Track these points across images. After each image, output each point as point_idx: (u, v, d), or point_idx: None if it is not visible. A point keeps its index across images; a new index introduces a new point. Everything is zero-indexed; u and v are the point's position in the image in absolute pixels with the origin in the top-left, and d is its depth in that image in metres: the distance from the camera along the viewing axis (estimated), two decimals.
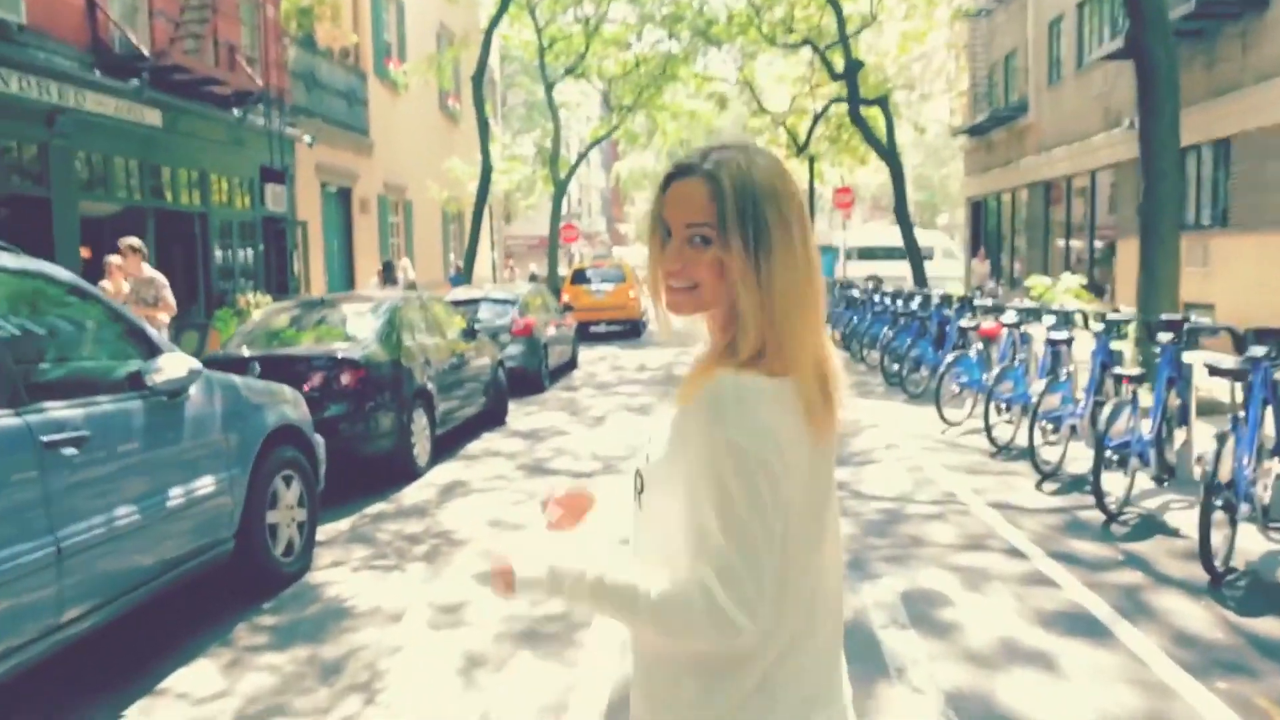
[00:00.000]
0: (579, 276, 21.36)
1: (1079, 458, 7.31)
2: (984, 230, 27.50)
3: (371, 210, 22.52)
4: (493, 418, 10.22)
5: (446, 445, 8.83)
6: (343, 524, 6.33)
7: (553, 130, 28.88)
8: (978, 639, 4.09)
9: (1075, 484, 6.79)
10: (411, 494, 7.17)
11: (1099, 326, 7.48)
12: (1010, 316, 9.08)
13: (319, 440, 5.66)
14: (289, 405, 5.27)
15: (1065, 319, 8.45)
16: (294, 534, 5.19)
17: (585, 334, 21.17)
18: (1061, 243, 21.39)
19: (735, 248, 1.25)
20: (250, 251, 16.91)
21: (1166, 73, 9.24)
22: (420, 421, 7.85)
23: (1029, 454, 7.09)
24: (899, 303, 13.38)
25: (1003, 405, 8.11)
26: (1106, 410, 5.90)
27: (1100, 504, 5.78)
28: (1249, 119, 13.41)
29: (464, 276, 27.53)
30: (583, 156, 30.66)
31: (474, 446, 9.05)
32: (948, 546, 5.35)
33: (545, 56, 27.49)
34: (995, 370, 8.24)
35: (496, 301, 13.12)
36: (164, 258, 14.64)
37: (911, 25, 22.99)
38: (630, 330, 21.48)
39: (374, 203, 22.66)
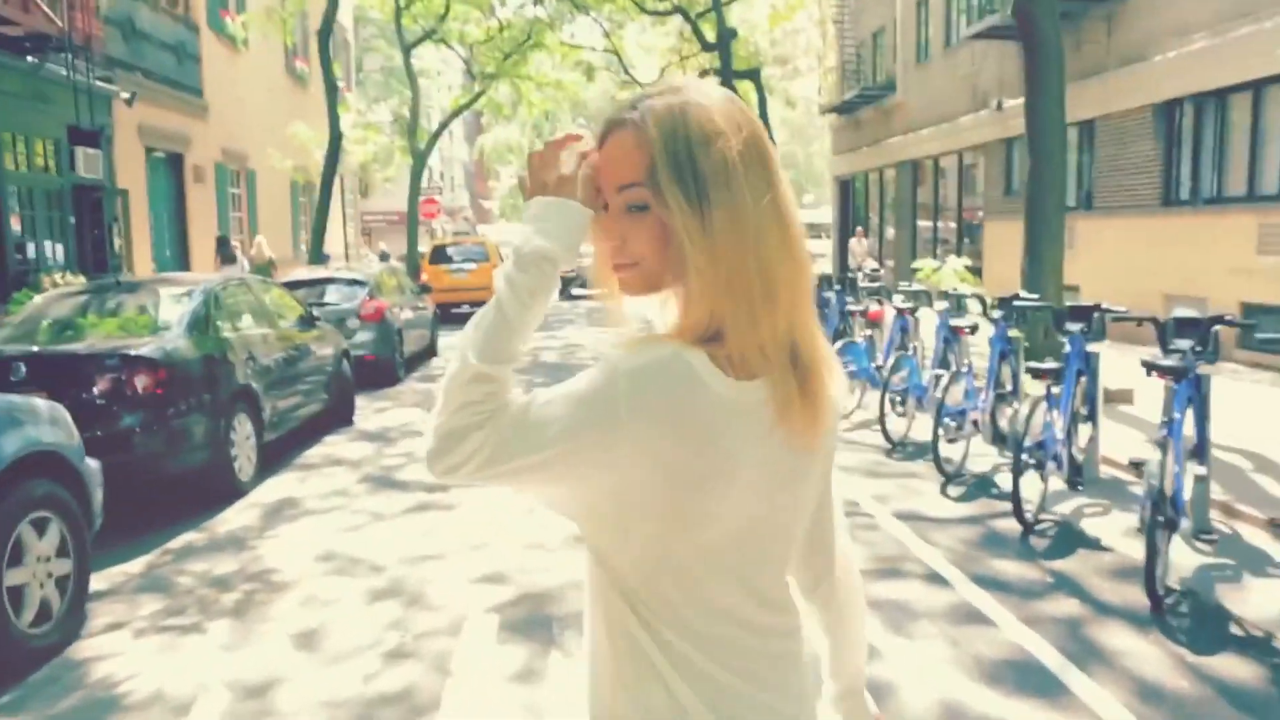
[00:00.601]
0: (439, 255, 20.04)
1: (981, 455, 6.82)
2: (851, 209, 27.58)
3: (208, 179, 20.45)
4: (337, 416, 9.03)
5: (279, 453, 7.63)
6: (135, 564, 5.13)
7: (411, 98, 27.23)
8: (916, 704, 3.39)
9: (981, 486, 6.27)
10: (230, 518, 6.00)
11: (998, 313, 6.99)
12: (900, 300, 8.58)
13: (92, 466, 4.47)
14: (41, 425, 4.07)
15: (958, 303, 7.99)
16: (50, 594, 4.01)
17: (446, 316, 19.91)
18: (928, 223, 21.51)
19: (674, 205, 1.03)
20: (58, 224, 14.88)
21: (1054, 47, 8.89)
22: (243, 428, 6.65)
23: (930, 452, 6.53)
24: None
25: (896, 397, 7.56)
26: (1025, 408, 5.35)
27: (1018, 513, 5.23)
28: (1112, 102, 13.47)
29: (328, 254, 25.68)
30: (444, 126, 29.07)
31: (313, 453, 7.87)
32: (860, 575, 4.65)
33: (403, 19, 25.80)
34: (891, 359, 7.67)
35: (344, 283, 11.81)
36: None
37: None
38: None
39: (210, 171, 20.58)
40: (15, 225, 13.65)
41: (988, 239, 17.70)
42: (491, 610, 4.30)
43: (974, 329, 6.81)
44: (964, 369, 6.71)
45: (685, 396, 1.01)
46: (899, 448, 7.30)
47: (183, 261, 18.98)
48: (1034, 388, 5.75)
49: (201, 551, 5.35)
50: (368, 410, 9.83)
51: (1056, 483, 5.84)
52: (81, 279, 13.16)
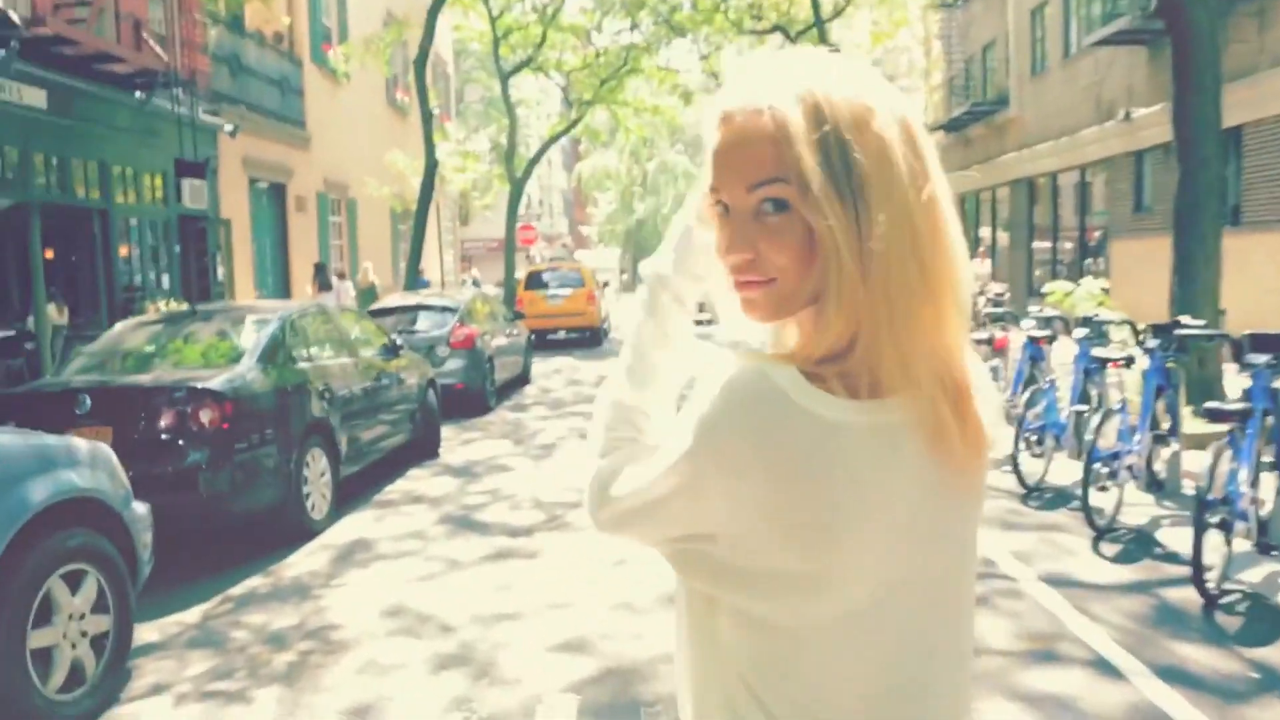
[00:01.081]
0: (534, 280, 19.79)
1: (1135, 505, 5.91)
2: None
3: (309, 209, 20.76)
4: (422, 449, 8.64)
5: (358, 488, 7.25)
6: (191, 613, 4.74)
7: (509, 126, 27.33)
8: None
9: (1142, 543, 5.38)
10: (298, 562, 5.59)
11: (1153, 342, 6.08)
12: (1032, 326, 7.71)
13: (139, 511, 4.07)
14: (80, 468, 3.69)
15: (1100, 330, 7.07)
16: (84, 654, 3.60)
17: (541, 342, 19.62)
18: (1045, 244, 20.22)
19: (825, 202, 0.83)
20: (164, 253, 15.15)
21: (1208, 39, 7.93)
22: (317, 464, 6.26)
23: (1073, 500, 5.67)
24: None
25: (1031, 435, 6.69)
26: (1209, 458, 4.46)
27: (1198, 582, 4.37)
28: (1264, 106, 12.21)
29: (423, 280, 25.90)
30: (540, 153, 29.05)
31: (394, 489, 7.46)
32: (1008, 656, 3.89)
33: (500, 48, 25.96)
34: (1024, 393, 6.81)
35: (435, 310, 11.53)
36: (55, 258, 12.86)
37: (882, 16, 21.77)
38: (590, 338, 19.94)
39: (312, 200, 20.90)
40: (123, 254, 13.92)
41: (1115, 259, 16.40)
42: (570, 689, 3.70)
43: (1129, 361, 5.90)
44: (1117, 405, 5.82)
45: (771, 425, 0.83)
46: (1035, 493, 6.43)
47: (284, 289, 19.23)
48: (1193, 425, 4.84)
49: (263, 600, 4.92)
50: (454, 441, 9.43)
51: (1240, 544, 4.93)
52: (186, 306, 13.29)
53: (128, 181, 14.02)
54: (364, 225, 23.71)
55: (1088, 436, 5.49)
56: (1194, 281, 8.08)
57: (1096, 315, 7.05)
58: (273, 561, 5.57)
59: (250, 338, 6.14)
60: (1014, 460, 6.48)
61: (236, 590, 5.08)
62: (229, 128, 15.79)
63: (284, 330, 6.35)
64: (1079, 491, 5.63)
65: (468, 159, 27.88)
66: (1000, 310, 8.56)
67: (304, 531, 6.03)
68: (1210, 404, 4.72)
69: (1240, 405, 4.69)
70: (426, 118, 17.67)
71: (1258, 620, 4.28)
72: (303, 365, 6.39)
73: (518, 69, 27.17)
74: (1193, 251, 8.08)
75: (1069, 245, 19.15)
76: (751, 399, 0.83)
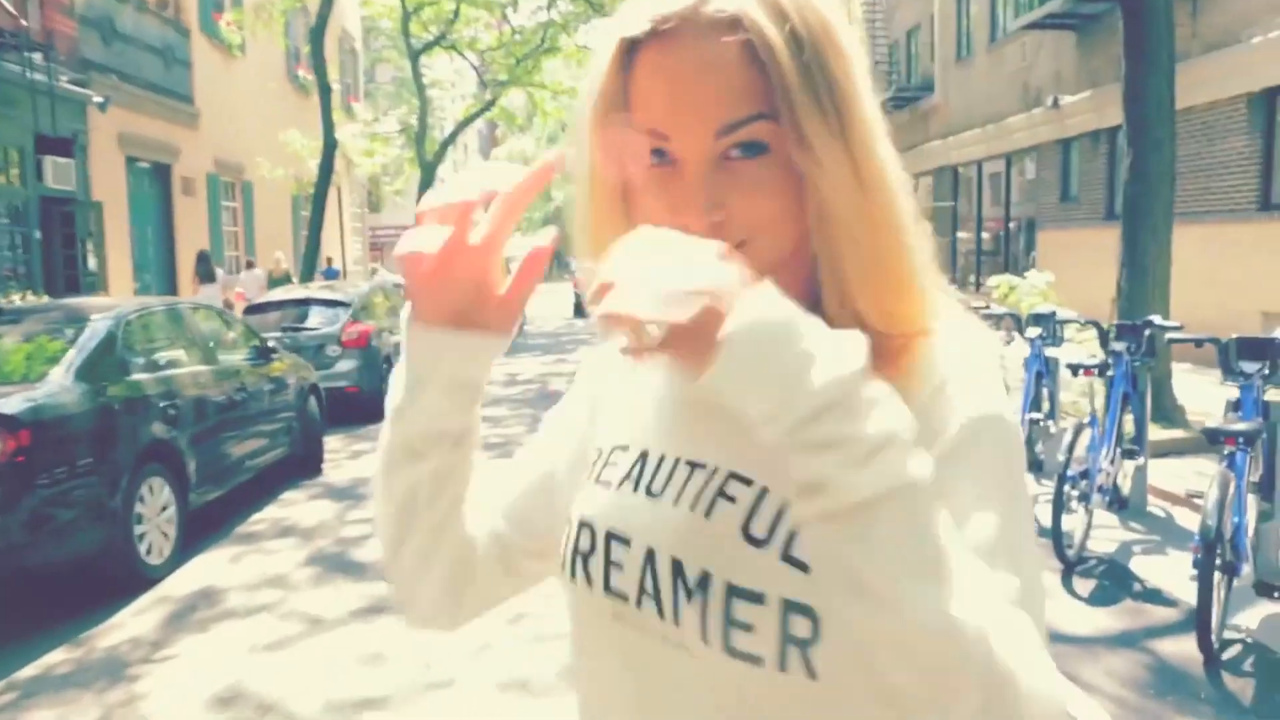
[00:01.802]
0: None
1: (1100, 526, 5.25)
2: None
3: (198, 192, 19.19)
4: (302, 465, 7.59)
5: (217, 518, 6.19)
6: None
7: (419, 107, 26.04)
8: None
9: (1118, 578, 4.71)
10: (123, 623, 4.54)
11: (1120, 344, 5.44)
12: (1018, 328, 7.01)
13: None
14: None
15: (1053, 329, 6.44)
16: None
17: None
18: (969, 235, 19.94)
19: (817, 142, 0.65)
20: (20, 239, 13.60)
21: (1164, 13, 7.37)
22: (157, 496, 5.20)
23: (1038, 527, 4.97)
24: None
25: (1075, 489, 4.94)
26: (1213, 491, 3.75)
27: (1203, 638, 3.68)
28: (1197, 92, 11.89)
29: (333, 269, 24.40)
30: (453, 136, 27.81)
31: (261, 517, 6.42)
32: None
33: (410, 24, 24.64)
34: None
35: (325, 304, 10.41)
36: None
37: None
38: None
39: (201, 183, 19.33)
40: None
41: (1042, 250, 16.10)
42: None
43: (1104, 369, 5.22)
44: (1087, 418, 5.15)
45: None
46: (1079, 566, 5.72)
47: (169, 280, 17.70)
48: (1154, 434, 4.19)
49: (57, 687, 3.88)
50: (341, 454, 8.39)
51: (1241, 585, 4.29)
52: (45, 299, 11.87)
53: None
54: (262, 210, 22.15)
55: (1060, 456, 4.79)
56: (1144, 275, 7.55)
57: (1054, 313, 6.40)
58: (91, 624, 4.51)
59: (66, 346, 5.03)
60: (1057, 526, 5.53)
61: (27, 672, 4.02)
62: (98, 100, 14.27)
63: (114, 336, 5.25)
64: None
65: (375, 141, 26.48)
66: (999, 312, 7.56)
67: (138, 580, 4.98)
68: (1223, 425, 4.02)
69: (1247, 425, 4.01)
70: (324, 92, 16.37)
71: (1269, 677, 3.62)
72: (139, 377, 5.31)
73: (428, 47, 25.89)
74: (1144, 243, 7.54)
75: (991, 236, 18.88)
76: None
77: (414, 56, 25.12)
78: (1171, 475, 6.12)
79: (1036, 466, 6.48)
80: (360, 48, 33.61)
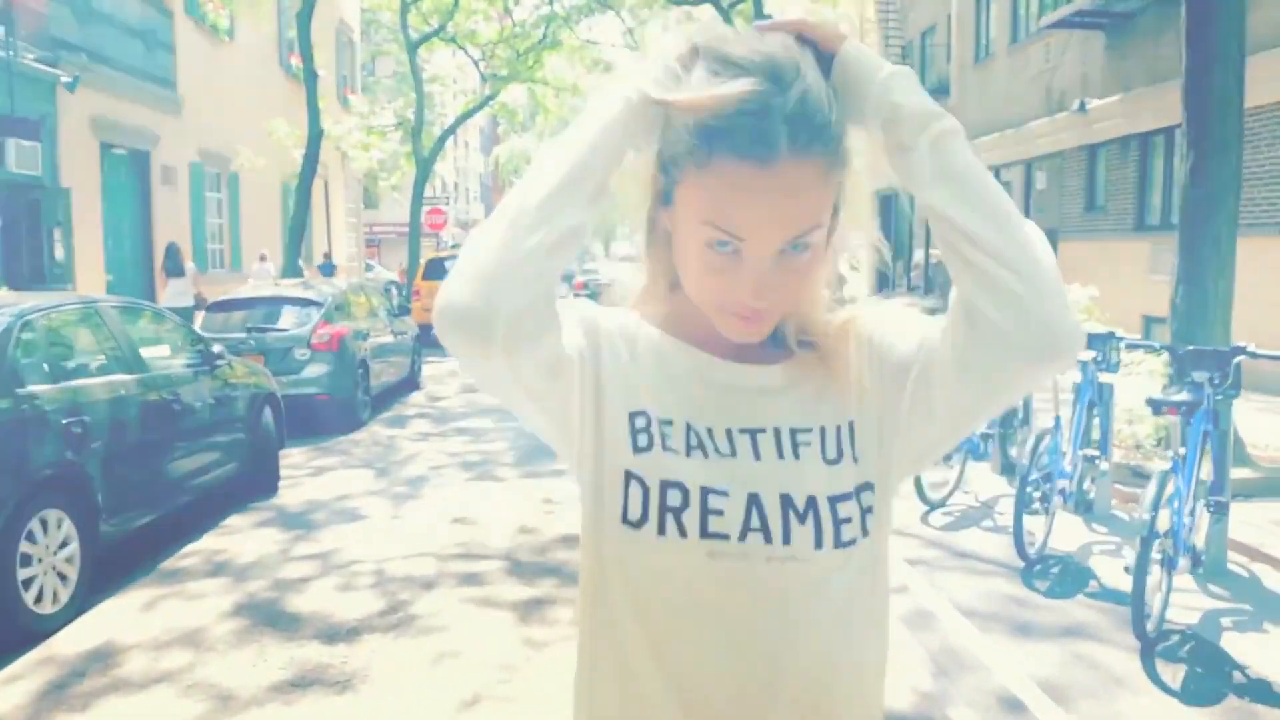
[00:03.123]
0: (434, 268, 17.82)
1: (1180, 590, 4.42)
2: (893, 231, 25.20)
3: (180, 182, 18.35)
4: (255, 484, 6.75)
5: (145, 548, 5.34)
6: None
7: (416, 99, 25.23)
8: None
9: (1201, 653, 3.88)
10: None
11: (1202, 375, 4.60)
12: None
13: None
14: None
15: (1108, 352, 5.62)
16: None
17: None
18: None
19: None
20: None
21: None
22: (53, 532, 4.36)
23: (1098, 586, 4.16)
24: None
25: (1034, 491, 5.15)
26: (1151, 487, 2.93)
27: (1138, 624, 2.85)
28: (1265, 90, 11.03)
29: (330, 264, 23.59)
30: (450, 130, 27.05)
31: (195, 548, 5.56)
32: None
33: (408, 14, 23.86)
34: (1030, 434, 5.29)
35: (294, 303, 9.56)
36: None
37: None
38: None
39: (183, 172, 18.49)
40: None
41: (1063, 262, 15.09)
42: None
43: (1190, 408, 4.37)
44: (1169, 463, 4.32)
45: None
46: (1039, 564, 4.93)
47: (145, 272, 16.86)
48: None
49: None
50: (303, 471, 7.55)
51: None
52: (3, 290, 11.03)
53: None
54: (249, 203, 21.29)
55: (1145, 513, 3.94)
56: (1204, 292, 6.72)
57: (1112, 334, 5.59)
58: None
59: None
60: (1018, 522, 4.93)
61: None
62: (66, 79, 13.44)
63: (4, 341, 4.40)
64: (1100, 569, 4.17)
65: (372, 135, 25.66)
66: None
67: (21, 635, 4.14)
68: (1152, 395, 4.24)
69: (1186, 396, 4.18)
70: (311, 79, 15.53)
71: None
72: (36, 389, 4.46)
73: (427, 38, 25.10)
74: (1204, 256, 6.71)
75: None
76: None
77: (412, 48, 24.34)
78: (1245, 524, 5.29)
79: (1086, 509, 5.68)
80: (359, 39, 32.80)
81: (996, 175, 18.12)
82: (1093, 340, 5.60)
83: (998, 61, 18.05)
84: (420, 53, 27.19)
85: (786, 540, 0.90)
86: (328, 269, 26.27)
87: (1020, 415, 6.67)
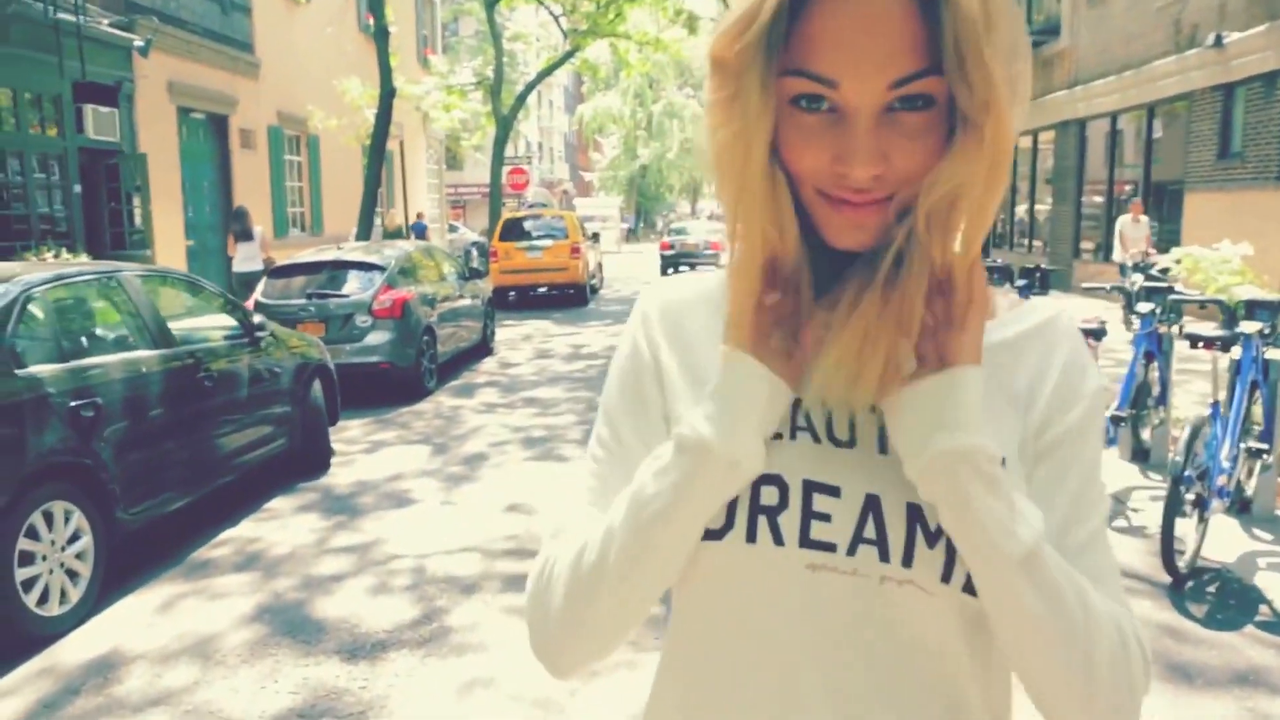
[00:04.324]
0: (511, 229, 17.32)
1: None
2: None
3: (259, 145, 18.27)
4: (307, 463, 6.36)
5: (177, 539, 4.96)
6: None
7: (495, 56, 24.72)
8: None
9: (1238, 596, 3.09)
10: None
11: (1251, 325, 4.21)
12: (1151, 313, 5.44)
13: None
14: None
15: (1274, 320, 4.72)
16: None
17: (523, 300, 17.26)
18: (1098, 199, 17.63)
19: (997, 101, 0.66)
20: (60, 194, 12.77)
21: None
22: (59, 526, 3.96)
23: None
24: None
25: (1193, 490, 4.27)
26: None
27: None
28: None
29: (420, 224, 23.43)
30: (530, 88, 26.43)
31: (229, 536, 5.15)
32: None
33: None
34: (1171, 417, 4.43)
35: (356, 268, 9.14)
36: None
37: None
38: (574, 297, 17.47)
39: (262, 136, 18.39)
40: None
41: (1189, 216, 13.86)
42: None
43: (1228, 343, 4.28)
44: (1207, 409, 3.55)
45: None
46: (1190, 581, 4.10)
47: (225, 237, 16.88)
48: None
49: None
50: (359, 445, 7.14)
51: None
52: (84, 258, 10.98)
53: (15, 107, 11.66)
54: (330, 166, 21.18)
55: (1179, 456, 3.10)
56: None
57: (1253, 296, 4.77)
58: None
59: None
60: (1168, 535, 4.09)
61: None
62: (139, 43, 13.28)
63: (4, 317, 3.98)
64: (1271, 589, 3.38)
65: (453, 94, 25.28)
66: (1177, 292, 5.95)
67: (23, 641, 3.75)
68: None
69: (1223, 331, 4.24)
70: (382, 35, 15.07)
71: None
72: (38, 370, 4.05)
73: None
74: None
75: (1127, 199, 16.56)
76: None
77: (490, 4, 23.76)
78: None
79: (1243, 509, 4.78)
80: None
81: (1113, 124, 16.71)
82: (1258, 310, 4.69)
83: None
84: (502, 10, 26.61)
85: (908, 562, 0.73)
86: (420, 228, 26.17)
87: (1156, 393, 5.77)
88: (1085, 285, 6.20)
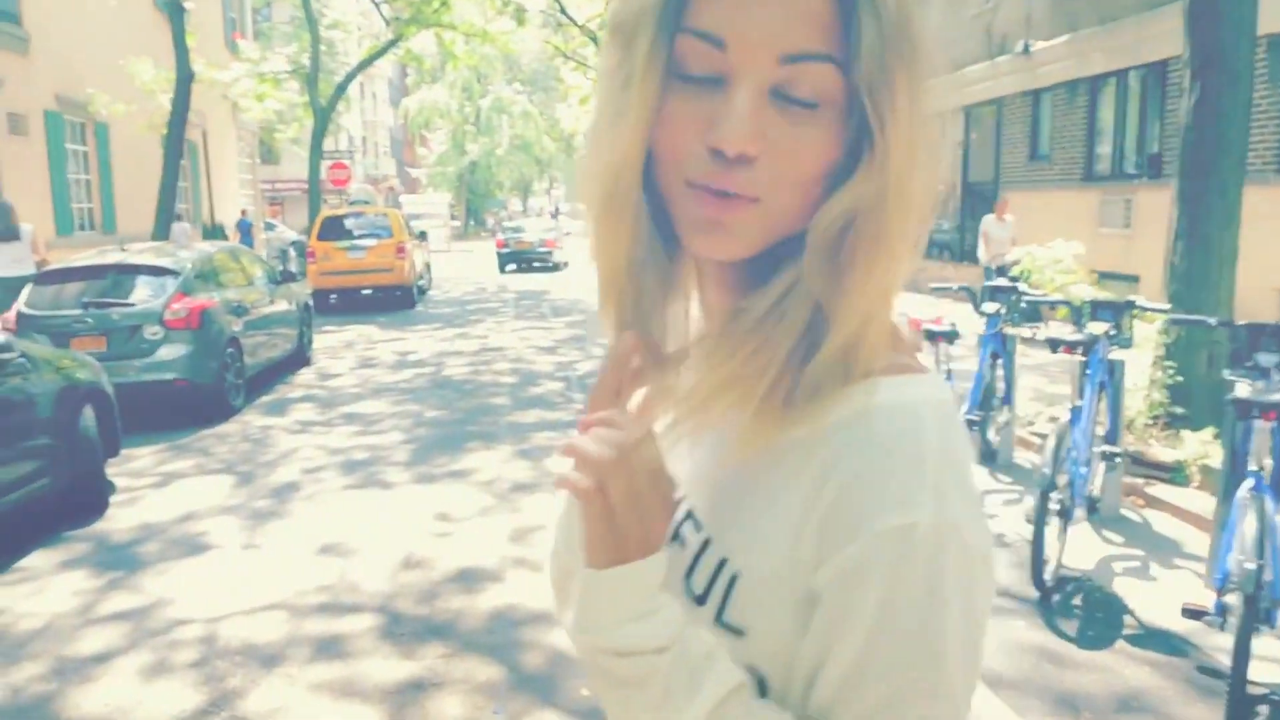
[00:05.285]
0: (331, 228, 16.14)
1: None
2: None
3: (33, 132, 16.23)
4: (75, 502, 5.38)
5: None
6: None
7: (310, 43, 23.22)
8: None
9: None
10: None
11: (1099, 325, 4.27)
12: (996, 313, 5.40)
13: None
14: None
15: (1119, 321, 4.73)
16: None
17: (345, 303, 16.13)
18: None
19: (896, 107, 0.60)
20: None
21: None
22: None
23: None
24: None
25: (1056, 498, 4.12)
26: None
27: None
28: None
29: (245, 221, 21.58)
30: (350, 78, 25.07)
31: None
32: None
33: None
34: (1054, 433, 4.22)
35: (146, 272, 8.03)
36: None
37: None
38: (400, 299, 16.49)
39: (36, 122, 16.36)
40: None
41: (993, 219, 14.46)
42: None
43: (1087, 347, 4.51)
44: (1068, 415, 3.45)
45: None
46: (1054, 594, 3.95)
47: None
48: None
49: None
50: (146, 478, 6.18)
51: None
52: None
53: None
54: (122, 157, 19.14)
55: (1045, 467, 2.94)
56: (1207, 248, 5.82)
57: (1133, 302, 4.73)
58: None
59: None
60: (1038, 543, 3.91)
61: None
62: None
63: None
64: (1134, 598, 3.23)
65: (265, 83, 23.54)
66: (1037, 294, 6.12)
67: None
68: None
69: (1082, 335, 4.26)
70: (177, 11, 13.64)
71: None
72: None
73: None
74: (1208, 206, 5.79)
75: (945, 200, 17.23)
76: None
77: None
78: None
79: (1092, 510, 4.74)
80: None
81: None
82: (1103, 310, 4.65)
83: (932, 2, 17.07)
84: None
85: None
86: (245, 225, 24.19)
87: (1002, 393, 5.73)
88: (934, 285, 6.09)
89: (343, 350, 11.75)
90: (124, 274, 7.99)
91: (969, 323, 5.99)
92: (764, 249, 0.62)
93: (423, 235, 19.47)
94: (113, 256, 8.32)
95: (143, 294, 7.85)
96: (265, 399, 8.86)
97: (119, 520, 5.37)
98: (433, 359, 10.88)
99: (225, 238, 20.65)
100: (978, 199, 15.88)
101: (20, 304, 7.74)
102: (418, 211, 34.36)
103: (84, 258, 8.58)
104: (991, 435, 5.78)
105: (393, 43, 24.85)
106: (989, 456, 5.78)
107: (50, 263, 10.12)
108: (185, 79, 13.62)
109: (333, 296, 15.92)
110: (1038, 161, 13.71)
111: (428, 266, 19.95)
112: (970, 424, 5.45)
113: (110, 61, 17.30)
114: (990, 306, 5.61)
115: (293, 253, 24.08)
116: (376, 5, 25.68)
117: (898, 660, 0.58)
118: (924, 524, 0.57)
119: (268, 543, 4.93)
